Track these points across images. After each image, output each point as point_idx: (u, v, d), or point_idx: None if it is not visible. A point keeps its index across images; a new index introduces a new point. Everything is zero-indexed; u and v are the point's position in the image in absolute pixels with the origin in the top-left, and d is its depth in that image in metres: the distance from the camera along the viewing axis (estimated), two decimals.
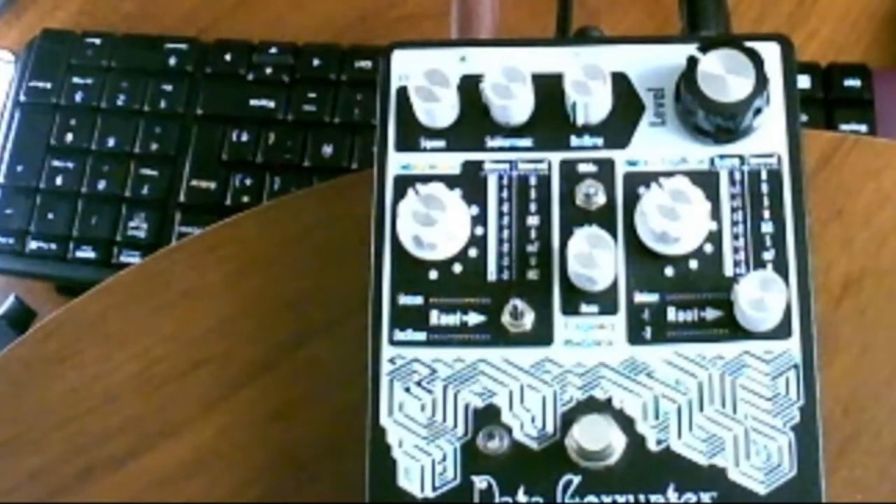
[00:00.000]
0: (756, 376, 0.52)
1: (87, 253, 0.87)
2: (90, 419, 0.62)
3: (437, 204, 0.53)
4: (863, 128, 0.84)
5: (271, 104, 0.88)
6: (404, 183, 0.55)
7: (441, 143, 0.56)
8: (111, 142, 0.88)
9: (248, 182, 0.87)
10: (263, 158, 0.87)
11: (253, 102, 0.89)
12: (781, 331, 0.52)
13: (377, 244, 0.55)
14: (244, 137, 0.88)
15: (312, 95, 0.88)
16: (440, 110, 0.55)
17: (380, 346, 0.54)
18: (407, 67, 0.56)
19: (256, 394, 0.61)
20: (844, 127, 0.83)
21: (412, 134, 0.56)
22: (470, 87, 0.55)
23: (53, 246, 0.87)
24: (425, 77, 0.54)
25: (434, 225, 0.53)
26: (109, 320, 0.64)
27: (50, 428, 0.62)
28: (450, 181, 0.55)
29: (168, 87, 0.89)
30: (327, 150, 0.87)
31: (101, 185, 0.87)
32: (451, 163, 0.55)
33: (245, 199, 0.87)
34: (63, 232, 0.87)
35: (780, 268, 0.53)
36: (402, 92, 0.56)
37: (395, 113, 0.56)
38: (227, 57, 0.90)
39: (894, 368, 0.56)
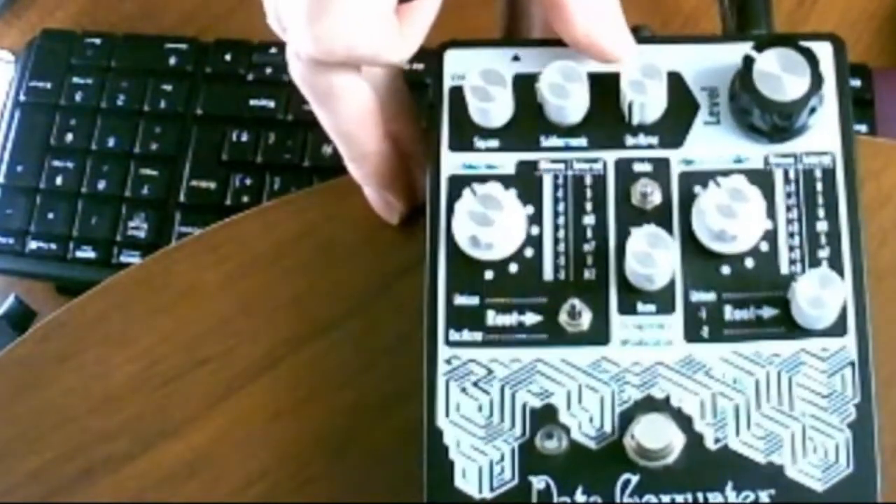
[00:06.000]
0: (812, 374, 0.52)
1: (87, 253, 0.86)
2: (90, 419, 0.61)
3: (495, 204, 0.53)
4: (863, 128, 0.84)
5: (271, 104, 0.88)
6: (459, 183, 0.55)
7: (495, 143, 0.55)
8: (111, 142, 0.87)
9: (248, 182, 0.87)
10: (263, 158, 0.87)
11: (253, 102, 0.88)
12: (837, 328, 0.52)
13: (432, 244, 0.54)
14: (244, 137, 0.87)
15: None
16: (495, 109, 0.55)
17: (436, 347, 0.53)
18: (460, 67, 0.56)
19: (257, 393, 0.61)
20: None
21: (466, 134, 0.56)
22: (523, 87, 0.55)
23: (53, 246, 0.86)
24: (481, 76, 0.54)
25: (492, 225, 0.53)
26: (109, 320, 0.63)
27: (50, 428, 0.61)
28: (505, 181, 0.55)
29: (168, 87, 0.88)
30: (327, 150, 0.86)
31: (101, 185, 0.87)
32: (506, 162, 0.55)
33: (245, 199, 0.86)
34: (63, 232, 0.86)
35: (836, 265, 0.53)
36: (455, 92, 0.56)
37: (449, 113, 0.56)
38: (227, 57, 0.89)
39: (894, 368, 0.56)
